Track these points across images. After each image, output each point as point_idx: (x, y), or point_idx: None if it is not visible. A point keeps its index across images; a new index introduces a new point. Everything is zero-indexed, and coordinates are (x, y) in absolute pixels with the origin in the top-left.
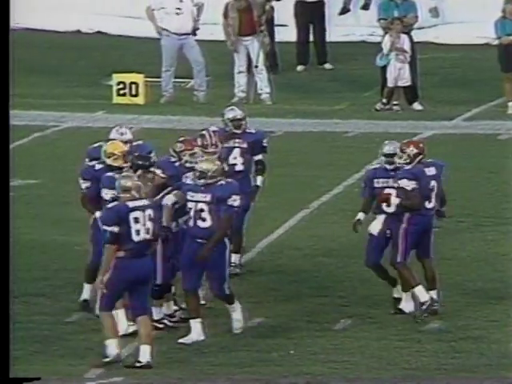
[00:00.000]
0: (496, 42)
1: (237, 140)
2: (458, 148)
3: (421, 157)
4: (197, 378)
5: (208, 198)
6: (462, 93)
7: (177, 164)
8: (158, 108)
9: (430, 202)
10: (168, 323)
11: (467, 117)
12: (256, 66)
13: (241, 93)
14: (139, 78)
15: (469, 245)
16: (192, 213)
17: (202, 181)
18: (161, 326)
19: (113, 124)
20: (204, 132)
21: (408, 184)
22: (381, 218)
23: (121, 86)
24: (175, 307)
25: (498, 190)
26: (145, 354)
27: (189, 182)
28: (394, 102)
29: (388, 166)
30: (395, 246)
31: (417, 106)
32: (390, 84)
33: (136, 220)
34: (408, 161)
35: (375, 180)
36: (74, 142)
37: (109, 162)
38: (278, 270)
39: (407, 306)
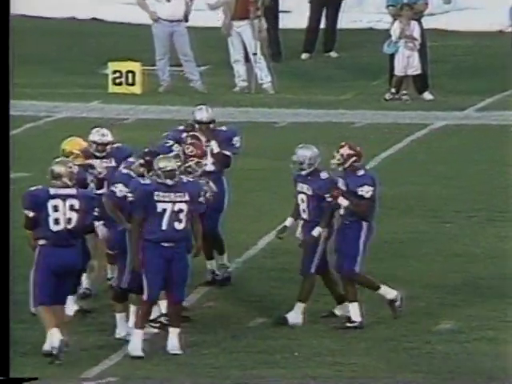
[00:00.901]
0: (510, 30)
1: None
2: (470, 140)
3: (354, 159)
4: (196, 380)
5: (186, 196)
6: (475, 82)
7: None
8: (156, 98)
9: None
10: (165, 322)
11: (480, 107)
12: (254, 54)
13: (241, 82)
14: (136, 67)
15: (482, 241)
16: (168, 214)
17: (171, 181)
18: (156, 325)
19: (109, 114)
20: (194, 141)
21: (368, 190)
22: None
23: (117, 74)
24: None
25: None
26: (52, 340)
27: (147, 181)
28: (403, 92)
29: (302, 172)
30: (352, 257)
31: (427, 95)
32: (398, 73)
33: (55, 208)
34: (341, 161)
35: (298, 184)
36: (68, 133)
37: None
38: (281, 268)
39: (293, 317)
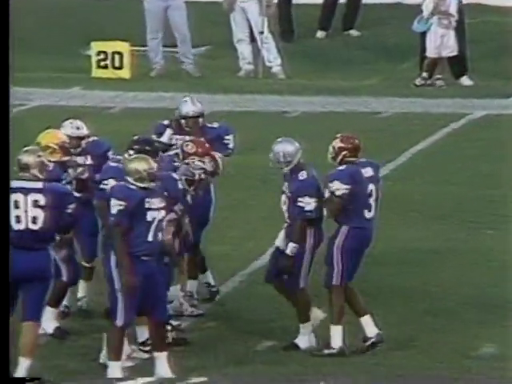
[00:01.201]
0: None
1: (192, 137)
2: None
3: (345, 153)
4: None
5: (163, 203)
6: None
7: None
8: (147, 83)
9: (369, 210)
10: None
11: None
12: (261, 32)
13: (246, 65)
14: (124, 47)
15: None
16: (155, 224)
17: (154, 183)
18: (146, 349)
19: (92, 102)
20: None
21: (339, 187)
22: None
23: (101, 56)
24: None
25: None
26: (22, 368)
27: (131, 186)
28: (437, 76)
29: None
30: (329, 266)
31: (465, 80)
32: (431, 54)
33: (16, 204)
34: (332, 155)
35: (284, 182)
36: (45, 124)
37: (45, 156)
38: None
39: (303, 340)
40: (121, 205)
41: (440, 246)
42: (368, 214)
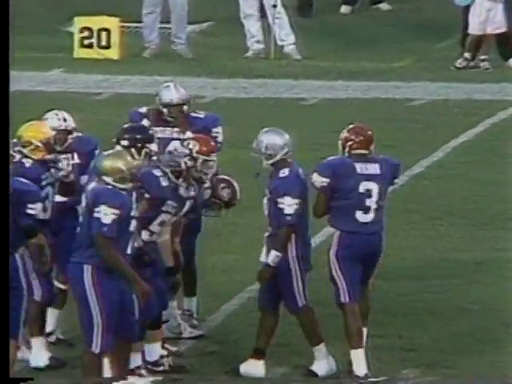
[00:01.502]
0: None
1: (175, 129)
2: None
3: (351, 144)
4: None
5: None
6: None
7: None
8: (140, 65)
9: (365, 212)
10: (144, 374)
11: None
12: (274, 6)
13: (256, 44)
14: (112, 23)
15: None
16: (133, 234)
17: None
18: (159, 369)
19: (75, 88)
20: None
21: (316, 180)
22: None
23: (86, 33)
24: (162, 351)
25: None
26: None
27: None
28: (482, 57)
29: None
30: (332, 281)
31: None
32: (474, 31)
33: None
34: (340, 147)
35: None
36: (21, 113)
37: (25, 152)
38: (312, 298)
39: (320, 366)
40: (115, 213)
41: (483, 256)
42: (364, 217)
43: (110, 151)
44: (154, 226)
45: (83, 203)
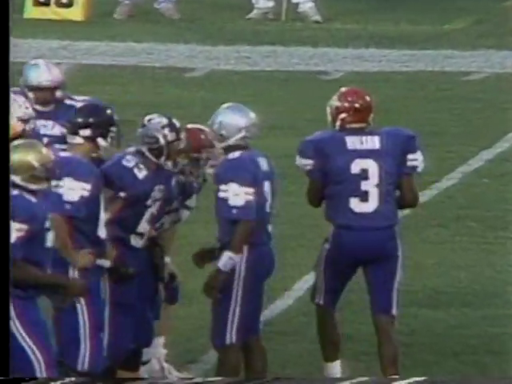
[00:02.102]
0: None
1: (43, 122)
2: None
3: (343, 116)
4: None
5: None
6: None
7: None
8: (110, 29)
9: (362, 199)
10: None
11: None
12: None
13: (262, 1)
14: None
15: None
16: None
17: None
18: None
19: (25, 57)
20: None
21: (300, 163)
22: None
23: None
24: None
25: None
26: None
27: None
28: None
29: None
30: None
31: None
32: None
33: None
34: (330, 119)
35: None
36: None
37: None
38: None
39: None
40: (21, 229)
41: None
42: (360, 206)
43: (20, 141)
44: (142, 226)
45: None
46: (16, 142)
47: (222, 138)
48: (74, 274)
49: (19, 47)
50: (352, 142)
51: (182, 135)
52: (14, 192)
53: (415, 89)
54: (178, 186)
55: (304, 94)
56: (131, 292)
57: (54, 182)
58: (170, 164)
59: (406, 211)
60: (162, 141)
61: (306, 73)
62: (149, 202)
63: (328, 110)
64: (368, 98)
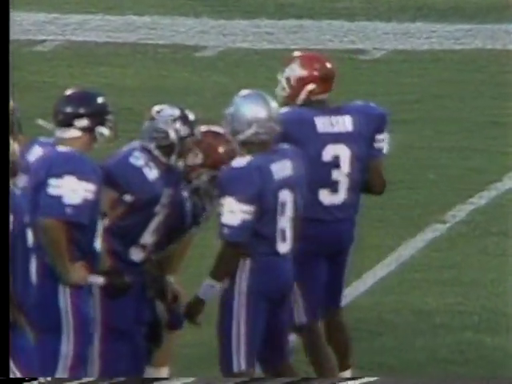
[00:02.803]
0: None
1: None
2: None
3: (313, 88)
4: None
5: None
6: None
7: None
8: None
9: (333, 191)
10: None
11: None
12: None
13: None
14: None
15: None
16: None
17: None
18: None
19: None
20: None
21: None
22: None
23: None
24: None
25: None
26: None
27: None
28: None
29: None
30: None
31: None
32: None
33: None
34: (287, 94)
35: None
36: None
37: None
38: (369, 360)
39: None
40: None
41: None
42: (330, 198)
43: None
44: (145, 237)
45: None
46: None
47: (235, 131)
48: (64, 291)
49: None
50: (322, 123)
51: (197, 130)
52: None
53: (471, 71)
54: (191, 205)
55: (338, 76)
56: (125, 314)
57: (53, 181)
58: (181, 164)
59: (462, 217)
60: (173, 136)
61: (340, 52)
62: (157, 209)
63: (284, 82)
64: (329, 65)
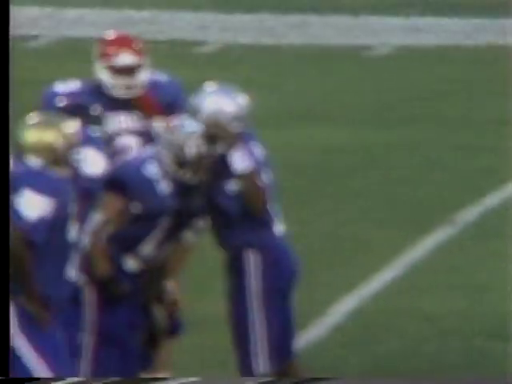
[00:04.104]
0: None
1: None
2: None
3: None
4: None
5: None
6: None
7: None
8: None
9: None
10: None
11: None
12: None
13: None
14: None
15: None
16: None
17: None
18: None
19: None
20: None
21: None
22: None
23: None
24: None
25: None
26: None
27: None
28: None
29: None
30: None
31: None
32: None
33: None
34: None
35: None
36: None
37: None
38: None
39: None
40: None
41: None
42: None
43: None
44: (145, 248)
45: None
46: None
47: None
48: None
49: None
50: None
51: (219, 148)
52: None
53: (481, 67)
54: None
55: (341, 73)
56: (118, 320)
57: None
58: (193, 180)
59: (471, 218)
60: (190, 153)
61: (345, 47)
62: (160, 221)
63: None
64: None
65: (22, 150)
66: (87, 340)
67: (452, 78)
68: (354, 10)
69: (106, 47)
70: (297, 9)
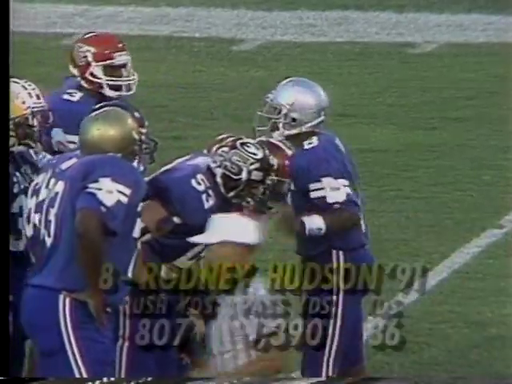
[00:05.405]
0: None
1: None
2: None
3: None
4: None
5: None
6: None
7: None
8: None
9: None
10: None
11: None
12: None
13: None
14: None
15: None
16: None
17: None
18: None
19: (25, 27)
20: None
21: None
22: None
23: None
24: None
25: None
26: None
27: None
28: None
29: None
30: None
31: None
32: None
33: None
34: None
35: None
36: None
37: None
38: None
39: None
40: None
41: None
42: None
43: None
44: (184, 261)
45: None
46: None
47: (294, 122)
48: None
49: (23, 13)
50: None
51: (270, 179)
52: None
53: None
54: None
55: (384, 71)
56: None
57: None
58: (237, 202)
59: None
60: (244, 177)
61: (388, 45)
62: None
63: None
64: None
65: (94, 141)
66: (121, 344)
67: (499, 76)
68: (399, 7)
69: (100, 46)
70: (338, 5)
